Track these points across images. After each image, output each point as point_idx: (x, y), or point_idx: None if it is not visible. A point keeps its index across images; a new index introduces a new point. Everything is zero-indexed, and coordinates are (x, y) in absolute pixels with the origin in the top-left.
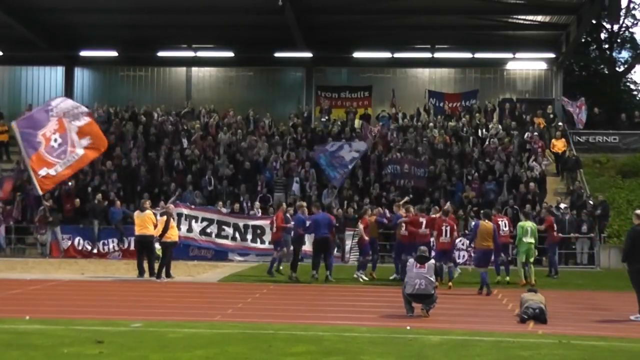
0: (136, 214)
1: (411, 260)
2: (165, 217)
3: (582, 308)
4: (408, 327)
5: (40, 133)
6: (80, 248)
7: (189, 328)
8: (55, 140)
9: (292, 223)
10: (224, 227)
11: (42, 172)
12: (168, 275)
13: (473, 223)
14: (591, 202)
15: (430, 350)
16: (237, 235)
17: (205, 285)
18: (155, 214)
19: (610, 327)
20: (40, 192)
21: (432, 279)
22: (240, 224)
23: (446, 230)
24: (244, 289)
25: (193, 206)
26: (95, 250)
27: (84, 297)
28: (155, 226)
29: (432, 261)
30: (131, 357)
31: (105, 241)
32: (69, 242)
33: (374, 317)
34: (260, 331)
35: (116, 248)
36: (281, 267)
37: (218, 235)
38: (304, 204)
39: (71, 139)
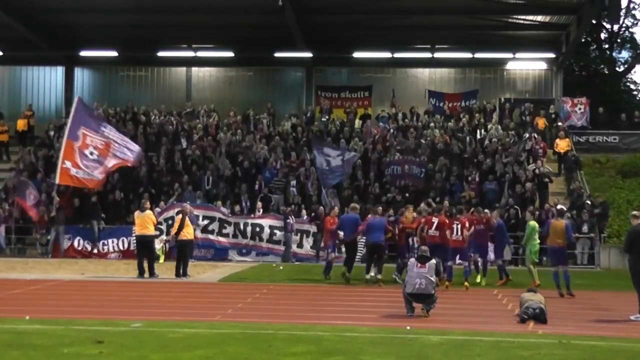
0: (136, 214)
1: (412, 260)
2: (180, 216)
3: (582, 308)
4: (408, 327)
5: (82, 131)
6: (80, 248)
7: (189, 328)
8: (92, 153)
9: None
10: (225, 225)
11: (67, 164)
12: (185, 274)
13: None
14: (589, 202)
15: (430, 350)
16: (237, 233)
17: (205, 285)
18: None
19: (610, 327)
20: (57, 181)
21: (433, 278)
22: (241, 223)
23: (457, 229)
24: (244, 289)
25: (191, 203)
26: (95, 250)
27: (84, 297)
28: (155, 226)
29: (433, 261)
30: (131, 357)
31: (105, 241)
32: (69, 242)
33: (374, 317)
34: (260, 331)
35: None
36: (281, 267)
37: (219, 234)
38: (357, 205)
39: (104, 166)
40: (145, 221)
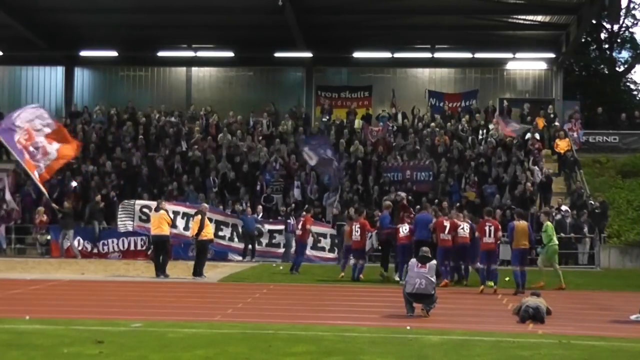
0: (152, 213)
1: (413, 260)
2: (200, 216)
3: (582, 308)
4: (408, 327)
5: (17, 142)
6: (80, 248)
7: (189, 328)
8: (33, 146)
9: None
10: (222, 227)
11: (35, 173)
12: (201, 274)
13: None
14: (592, 203)
15: (430, 350)
16: (234, 236)
17: (205, 285)
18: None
19: (610, 327)
20: (45, 191)
21: (433, 279)
22: (239, 225)
23: (490, 231)
24: (244, 289)
25: (188, 203)
26: (95, 250)
27: (84, 297)
28: (170, 225)
29: (434, 261)
30: (131, 357)
31: (105, 241)
32: (68, 243)
33: (374, 317)
34: (260, 331)
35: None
36: (281, 267)
37: (215, 236)
38: (390, 204)
39: (42, 147)
40: (160, 221)
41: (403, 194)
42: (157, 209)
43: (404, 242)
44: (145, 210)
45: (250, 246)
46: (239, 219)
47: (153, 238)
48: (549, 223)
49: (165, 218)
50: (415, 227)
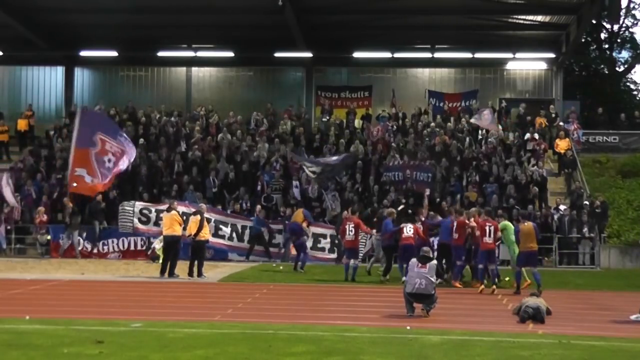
0: (163, 214)
1: (413, 260)
2: (199, 217)
3: (582, 308)
4: (408, 327)
5: (99, 137)
6: (80, 248)
7: (189, 328)
8: (109, 160)
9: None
10: (221, 226)
11: (80, 172)
12: (200, 274)
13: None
14: (587, 203)
15: (430, 350)
16: (234, 235)
17: (205, 285)
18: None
19: (610, 327)
20: (70, 189)
21: (433, 279)
22: (239, 225)
23: (490, 231)
24: (244, 289)
25: (190, 203)
26: (95, 250)
27: (84, 297)
28: (181, 226)
29: (434, 262)
30: (131, 357)
31: (105, 241)
32: (69, 242)
33: (374, 317)
34: (260, 331)
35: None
36: (281, 267)
37: (215, 235)
38: (393, 210)
39: (113, 173)
40: (171, 221)
41: (427, 191)
42: (168, 210)
43: (406, 242)
44: (145, 212)
45: (256, 247)
46: (249, 220)
47: (165, 238)
48: (507, 222)
49: (176, 219)
50: (440, 231)
